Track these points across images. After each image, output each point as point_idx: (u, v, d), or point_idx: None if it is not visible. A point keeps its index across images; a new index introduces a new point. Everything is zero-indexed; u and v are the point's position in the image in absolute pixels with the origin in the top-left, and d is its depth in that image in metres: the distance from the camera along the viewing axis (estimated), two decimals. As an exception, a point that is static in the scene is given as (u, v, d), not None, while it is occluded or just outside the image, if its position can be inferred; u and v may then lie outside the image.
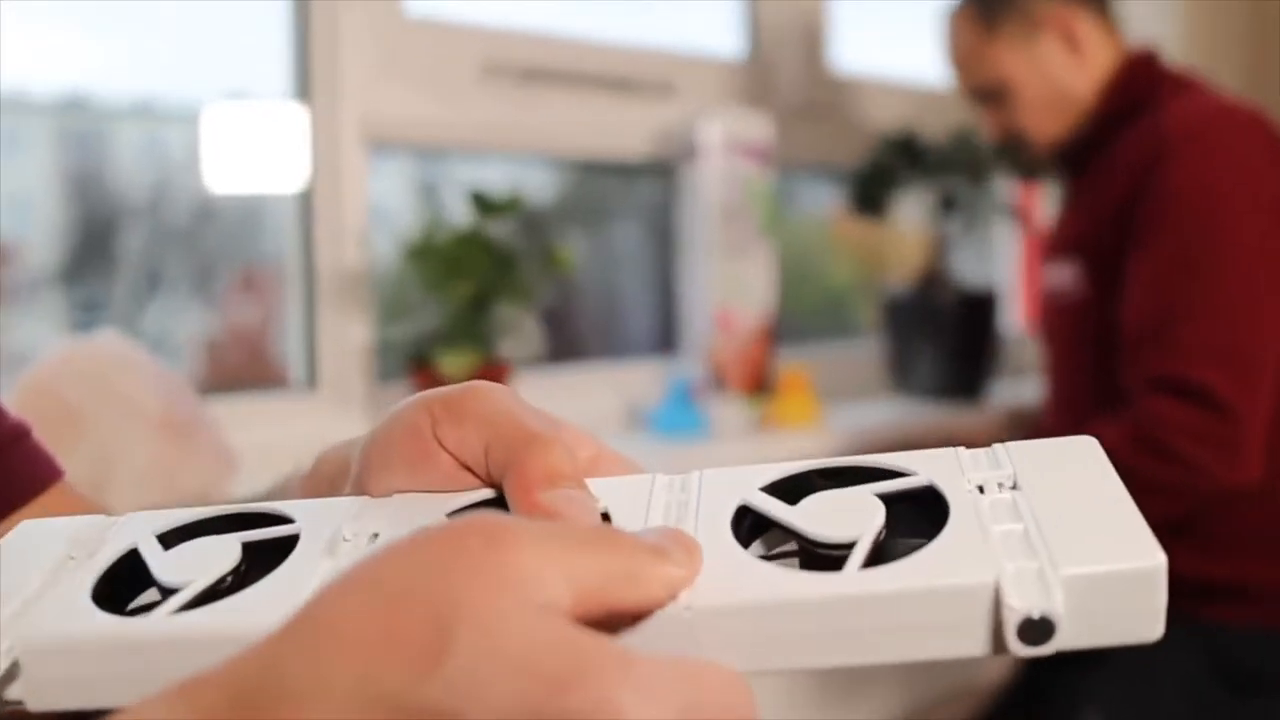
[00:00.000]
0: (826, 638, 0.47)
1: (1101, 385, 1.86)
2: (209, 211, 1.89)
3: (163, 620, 0.50)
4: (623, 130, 2.13)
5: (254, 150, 1.84)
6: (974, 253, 2.80)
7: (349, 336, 1.82)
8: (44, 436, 0.73)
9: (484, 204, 1.73)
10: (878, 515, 0.51)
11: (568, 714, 0.38)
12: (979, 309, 2.39)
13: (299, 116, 1.81)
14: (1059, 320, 2.00)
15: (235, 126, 1.82)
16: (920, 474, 0.53)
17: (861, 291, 2.77)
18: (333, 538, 0.53)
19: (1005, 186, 2.61)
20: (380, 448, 0.56)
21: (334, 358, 1.82)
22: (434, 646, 0.39)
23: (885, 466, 0.55)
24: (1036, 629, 0.44)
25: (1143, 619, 0.46)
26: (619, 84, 2.12)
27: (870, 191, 2.32)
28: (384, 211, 1.96)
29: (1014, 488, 0.52)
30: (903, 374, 2.40)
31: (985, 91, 2.00)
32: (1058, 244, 2.01)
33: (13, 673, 0.48)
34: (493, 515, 0.43)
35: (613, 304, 2.40)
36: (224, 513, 0.57)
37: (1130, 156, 1.85)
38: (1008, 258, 3.00)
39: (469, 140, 1.98)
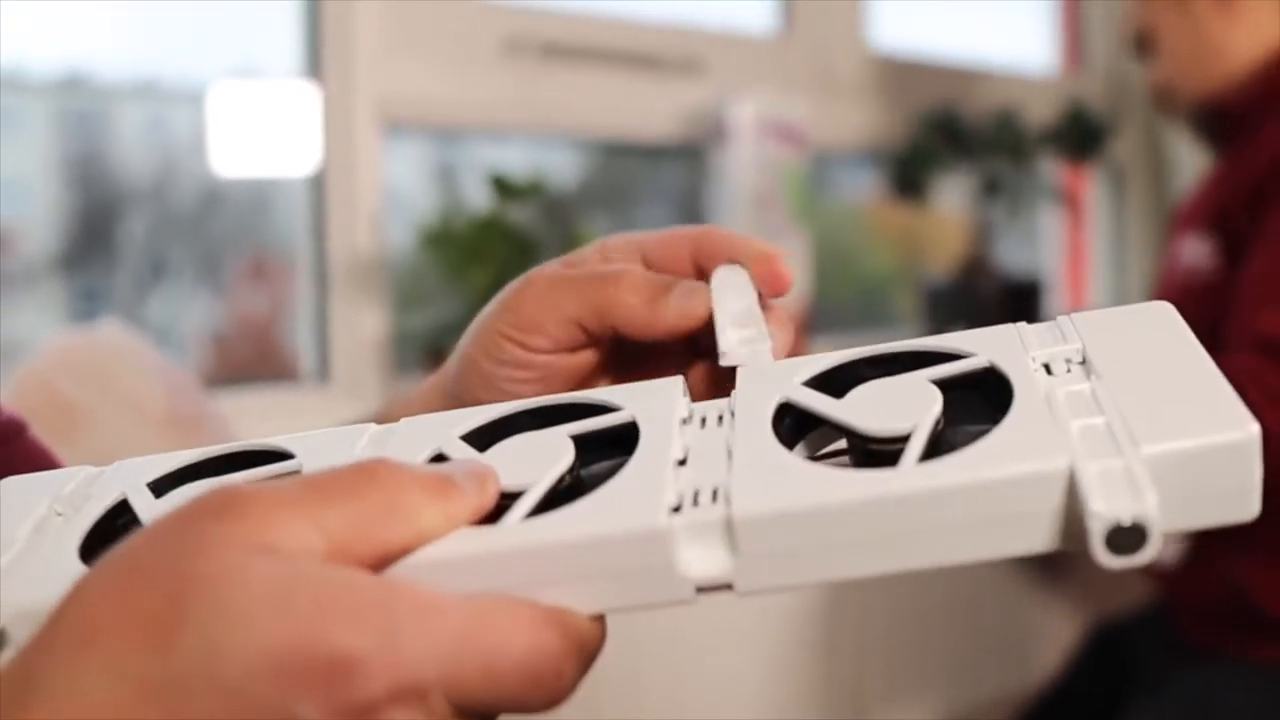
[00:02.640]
0: (882, 543, 0.45)
1: None
2: (216, 196, 1.88)
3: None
4: (649, 110, 2.12)
5: (263, 131, 1.83)
6: (1018, 239, 2.78)
7: (363, 327, 1.80)
8: (42, 433, 0.72)
9: (504, 187, 1.72)
10: (934, 403, 0.49)
11: (331, 648, 0.40)
12: (1023, 298, 2.37)
13: (310, 95, 1.80)
14: (1187, 302, 1.88)
15: (243, 106, 1.81)
16: (979, 354, 0.51)
17: (900, 280, 2.75)
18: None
19: (1051, 169, 2.59)
20: (469, 373, 0.64)
21: (347, 349, 1.81)
22: (167, 619, 0.40)
23: (940, 349, 0.53)
24: (1128, 536, 0.42)
25: (1238, 497, 0.44)
26: (646, 61, 2.10)
27: (910, 174, 2.30)
28: (399, 195, 1.94)
29: (1083, 363, 0.50)
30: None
31: (1139, 39, 1.96)
32: (1192, 217, 1.91)
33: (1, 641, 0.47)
34: (228, 486, 0.43)
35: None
36: (218, 454, 0.56)
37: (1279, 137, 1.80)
38: (1054, 245, 2.98)
39: (488, 120, 1.96)
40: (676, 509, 0.46)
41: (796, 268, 2.04)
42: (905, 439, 0.47)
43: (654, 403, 0.54)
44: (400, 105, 1.84)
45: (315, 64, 1.80)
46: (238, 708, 0.39)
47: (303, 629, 0.40)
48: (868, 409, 0.50)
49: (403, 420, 0.57)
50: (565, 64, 2.00)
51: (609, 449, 0.51)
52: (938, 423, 0.48)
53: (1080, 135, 2.41)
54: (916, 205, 2.37)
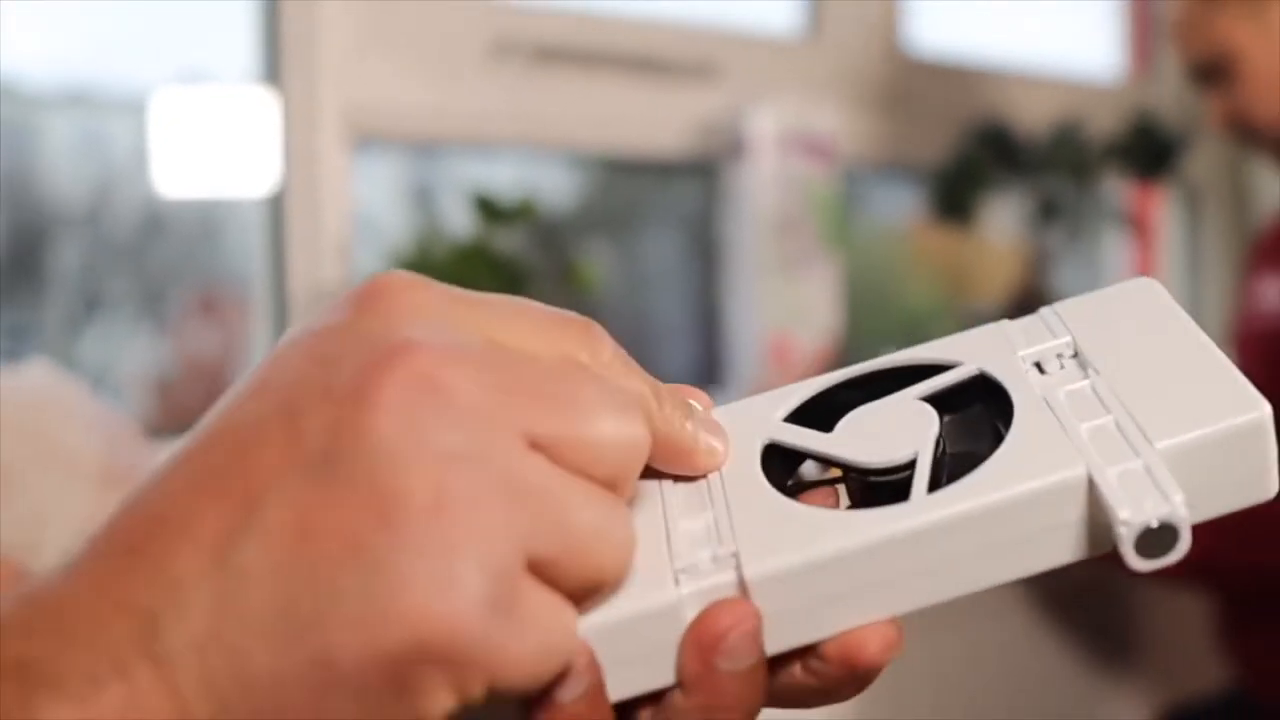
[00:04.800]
0: (904, 581, 0.48)
1: None
2: (159, 219, 1.88)
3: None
4: (656, 122, 2.12)
5: (213, 145, 1.83)
6: (1079, 268, 2.78)
7: (327, 370, 1.80)
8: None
9: (490, 210, 1.72)
10: (930, 424, 0.51)
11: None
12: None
13: (268, 104, 1.81)
14: (1271, 349, 1.88)
15: (191, 117, 1.81)
16: (966, 362, 0.54)
17: (944, 315, 2.75)
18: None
19: (1116, 189, 2.59)
20: None
21: (309, 396, 1.81)
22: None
23: (923, 361, 0.55)
24: (1158, 538, 0.45)
25: (1256, 478, 0.48)
26: (652, 66, 2.11)
27: (955, 194, 2.30)
28: (370, 219, 1.95)
29: (1075, 356, 0.53)
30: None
31: (1208, 67, 1.94)
32: (1274, 253, 1.92)
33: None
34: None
35: (645, 329, 2.39)
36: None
37: None
38: (1119, 275, 2.98)
39: (472, 133, 1.97)
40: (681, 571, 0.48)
41: (826, 306, 2.04)
42: (906, 468, 0.50)
43: None
44: (371, 116, 1.84)
45: (274, 68, 1.81)
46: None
47: None
48: (861, 440, 0.52)
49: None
50: (560, 69, 2.01)
51: None
52: (938, 444, 0.51)
53: (1150, 150, 2.41)
54: (962, 230, 2.37)
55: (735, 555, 0.48)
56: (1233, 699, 1.94)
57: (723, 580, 0.47)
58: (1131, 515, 0.45)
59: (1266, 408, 0.48)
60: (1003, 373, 0.53)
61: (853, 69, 2.39)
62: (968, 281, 2.68)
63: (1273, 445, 0.48)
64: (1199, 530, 0.46)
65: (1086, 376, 0.52)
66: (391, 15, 1.85)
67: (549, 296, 1.65)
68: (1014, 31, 2.67)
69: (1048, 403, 0.51)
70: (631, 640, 0.47)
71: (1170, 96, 2.85)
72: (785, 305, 2.02)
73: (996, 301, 2.46)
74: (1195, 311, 2.57)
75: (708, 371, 2.26)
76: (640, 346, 2.51)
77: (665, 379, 0.52)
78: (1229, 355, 0.52)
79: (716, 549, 0.48)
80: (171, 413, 1.87)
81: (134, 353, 1.87)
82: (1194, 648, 2.14)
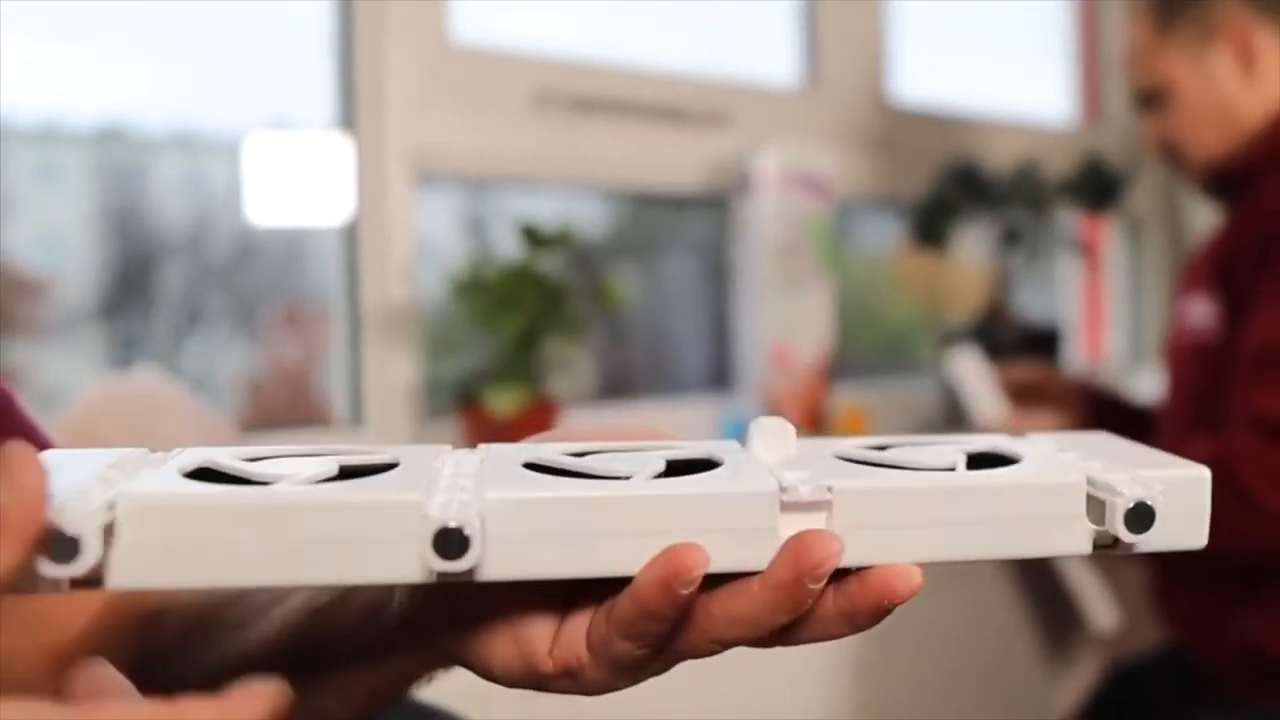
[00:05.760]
0: (949, 527, 0.54)
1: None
2: (251, 246, 1.88)
3: (293, 488, 0.50)
4: (676, 161, 2.12)
5: (297, 182, 1.83)
6: (1037, 288, 2.77)
7: (395, 373, 1.80)
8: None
9: (534, 237, 1.72)
10: (962, 456, 0.58)
11: None
12: (1042, 344, 2.36)
13: (344, 147, 1.81)
14: (1194, 364, 1.85)
15: (278, 157, 1.81)
16: (976, 441, 0.61)
17: (922, 328, 2.75)
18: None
19: (1069, 220, 2.59)
20: None
21: (380, 395, 1.81)
22: None
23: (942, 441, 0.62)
24: (1141, 515, 0.53)
25: (1197, 524, 0.56)
26: (672, 114, 2.11)
27: (931, 224, 2.30)
28: (431, 245, 1.95)
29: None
30: (963, 411, 2.38)
31: (1148, 94, 1.91)
32: (1198, 276, 1.88)
33: (109, 532, 0.46)
34: None
35: (665, 340, 2.39)
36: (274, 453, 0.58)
37: None
38: (1072, 293, 2.97)
39: (518, 172, 1.97)
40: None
41: (821, 319, 2.05)
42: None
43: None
44: (432, 157, 1.84)
45: (348, 116, 1.81)
46: None
47: None
48: (910, 459, 0.58)
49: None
50: (594, 116, 2.01)
51: None
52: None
53: (1098, 186, 2.41)
54: (937, 254, 2.37)
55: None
56: (1170, 657, 1.93)
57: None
58: (1127, 491, 0.53)
59: (1206, 471, 0.56)
60: (1009, 447, 0.61)
61: (845, 116, 2.39)
62: (942, 298, 2.67)
63: (1208, 502, 0.56)
64: None
65: (1069, 451, 0.60)
66: (449, 70, 1.85)
67: (584, 311, 1.66)
68: (983, 84, 2.66)
69: (1048, 455, 0.60)
70: (734, 514, 0.51)
71: (1116, 141, 2.85)
72: (786, 319, 2.01)
73: (967, 316, 2.46)
74: (1135, 325, 2.58)
75: (719, 375, 2.26)
76: (661, 355, 2.52)
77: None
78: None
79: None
80: (261, 410, 1.87)
81: (229, 360, 1.87)
82: (1135, 611, 2.13)
